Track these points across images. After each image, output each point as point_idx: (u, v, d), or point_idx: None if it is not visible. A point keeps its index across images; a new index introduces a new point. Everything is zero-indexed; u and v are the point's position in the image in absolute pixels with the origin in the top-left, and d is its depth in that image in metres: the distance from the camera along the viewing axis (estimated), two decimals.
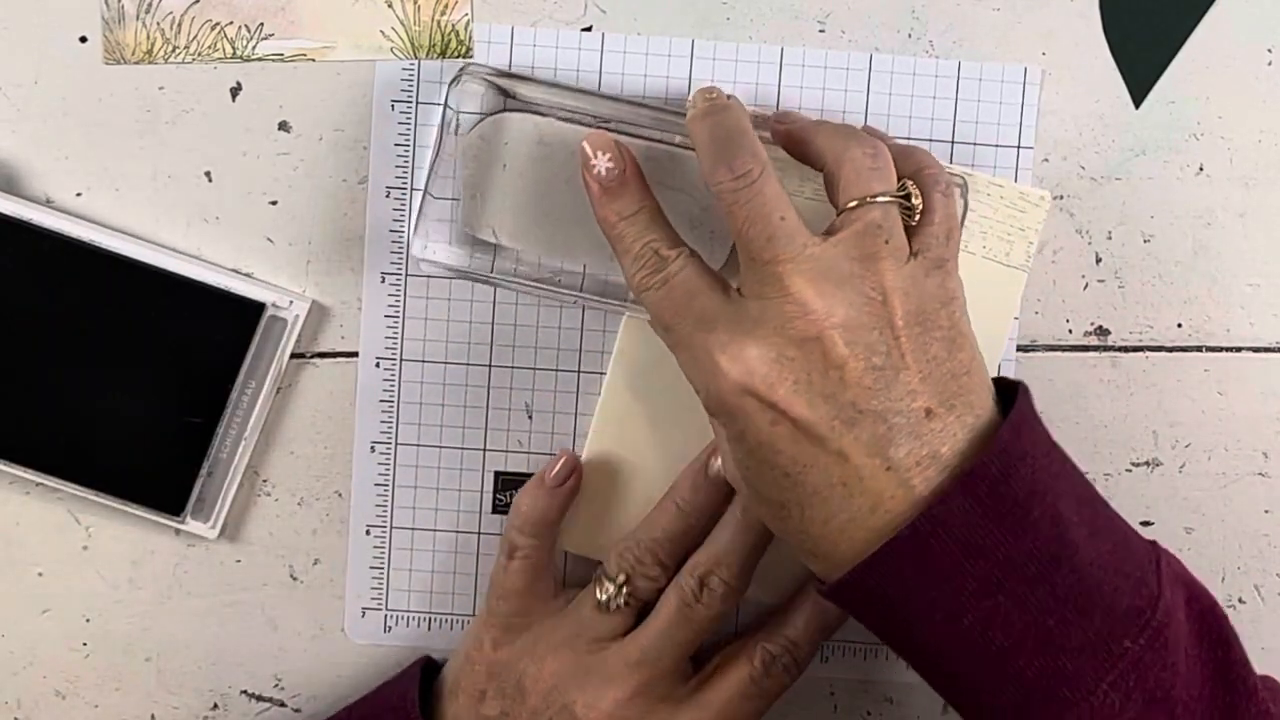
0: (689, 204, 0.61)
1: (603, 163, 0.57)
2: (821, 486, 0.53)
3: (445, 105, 0.61)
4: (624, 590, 0.62)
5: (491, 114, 0.61)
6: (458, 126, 0.61)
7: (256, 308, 0.63)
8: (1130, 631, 0.52)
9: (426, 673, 0.64)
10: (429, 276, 0.64)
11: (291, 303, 0.63)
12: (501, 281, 0.62)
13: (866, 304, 0.53)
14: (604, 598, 0.62)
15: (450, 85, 0.61)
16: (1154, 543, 0.56)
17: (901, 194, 0.55)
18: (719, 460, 0.61)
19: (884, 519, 0.53)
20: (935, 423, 0.53)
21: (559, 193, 0.61)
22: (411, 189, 0.64)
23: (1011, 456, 0.53)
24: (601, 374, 0.65)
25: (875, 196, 0.54)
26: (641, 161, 0.58)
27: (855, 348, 0.52)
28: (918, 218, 0.55)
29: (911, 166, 0.57)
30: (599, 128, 0.60)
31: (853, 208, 0.54)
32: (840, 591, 0.54)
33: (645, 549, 0.62)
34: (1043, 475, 0.53)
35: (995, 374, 0.63)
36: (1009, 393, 0.56)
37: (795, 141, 0.58)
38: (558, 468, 0.64)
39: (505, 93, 0.61)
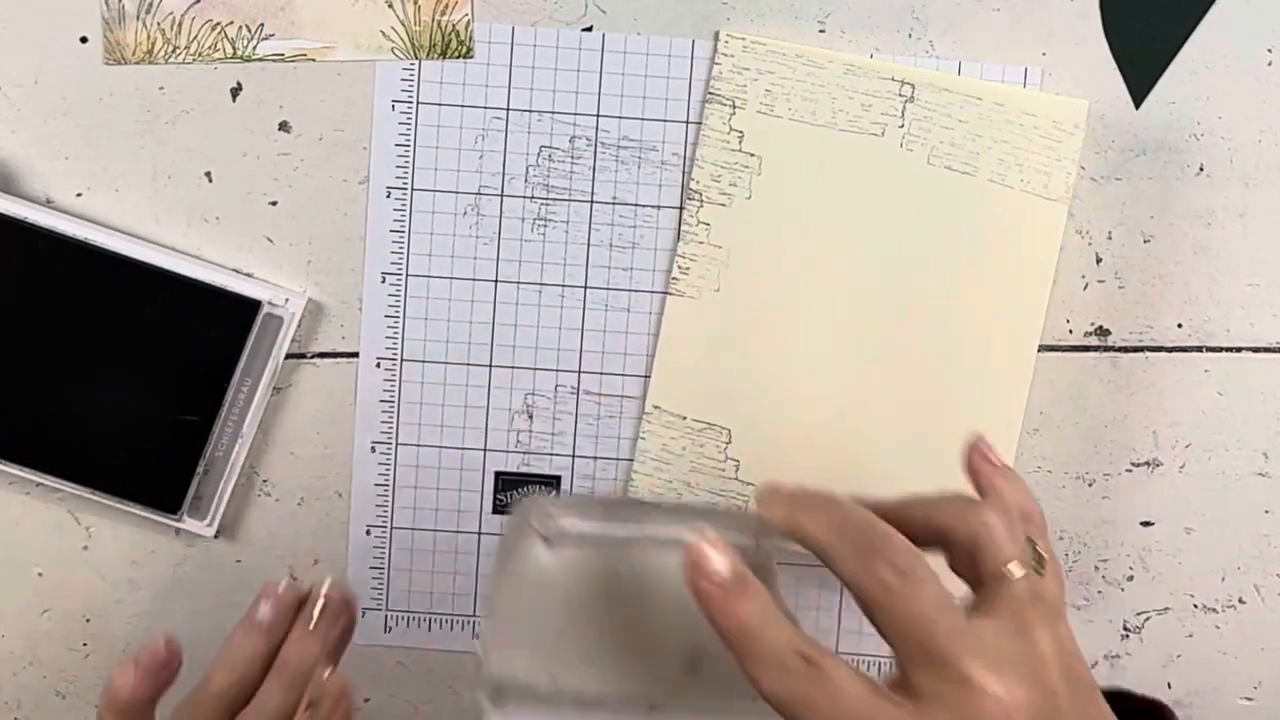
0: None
1: (719, 562, 0.50)
2: None
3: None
4: None
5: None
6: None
7: (252, 305, 0.63)
8: None
9: None
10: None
11: (287, 300, 0.63)
12: None
13: (1036, 678, 0.51)
14: None
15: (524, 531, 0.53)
16: None
17: (1033, 554, 0.53)
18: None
19: None
20: None
21: (614, 625, 0.54)
22: (412, 188, 0.64)
23: None
24: (602, 374, 0.65)
25: (1018, 562, 0.52)
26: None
27: None
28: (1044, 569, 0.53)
29: (1018, 511, 0.54)
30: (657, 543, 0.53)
31: (1002, 577, 0.52)
32: None
33: None
34: None
35: (1041, 314, 0.64)
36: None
37: (909, 516, 0.54)
38: None
39: (555, 540, 0.53)
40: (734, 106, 0.63)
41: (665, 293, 0.64)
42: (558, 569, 0.53)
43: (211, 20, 0.63)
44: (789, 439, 0.64)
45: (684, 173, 0.64)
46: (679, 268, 0.64)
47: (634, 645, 0.53)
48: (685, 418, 0.65)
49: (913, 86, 0.63)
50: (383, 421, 0.65)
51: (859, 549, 0.51)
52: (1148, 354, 0.66)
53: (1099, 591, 0.67)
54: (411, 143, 0.64)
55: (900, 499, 0.55)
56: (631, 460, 0.65)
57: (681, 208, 0.64)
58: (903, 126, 0.63)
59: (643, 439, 0.65)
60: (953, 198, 0.63)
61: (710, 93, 0.63)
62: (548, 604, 0.53)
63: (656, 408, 0.65)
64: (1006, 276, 0.64)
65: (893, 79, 0.63)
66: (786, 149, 0.63)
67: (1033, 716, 0.50)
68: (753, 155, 0.63)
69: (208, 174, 0.64)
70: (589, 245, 0.65)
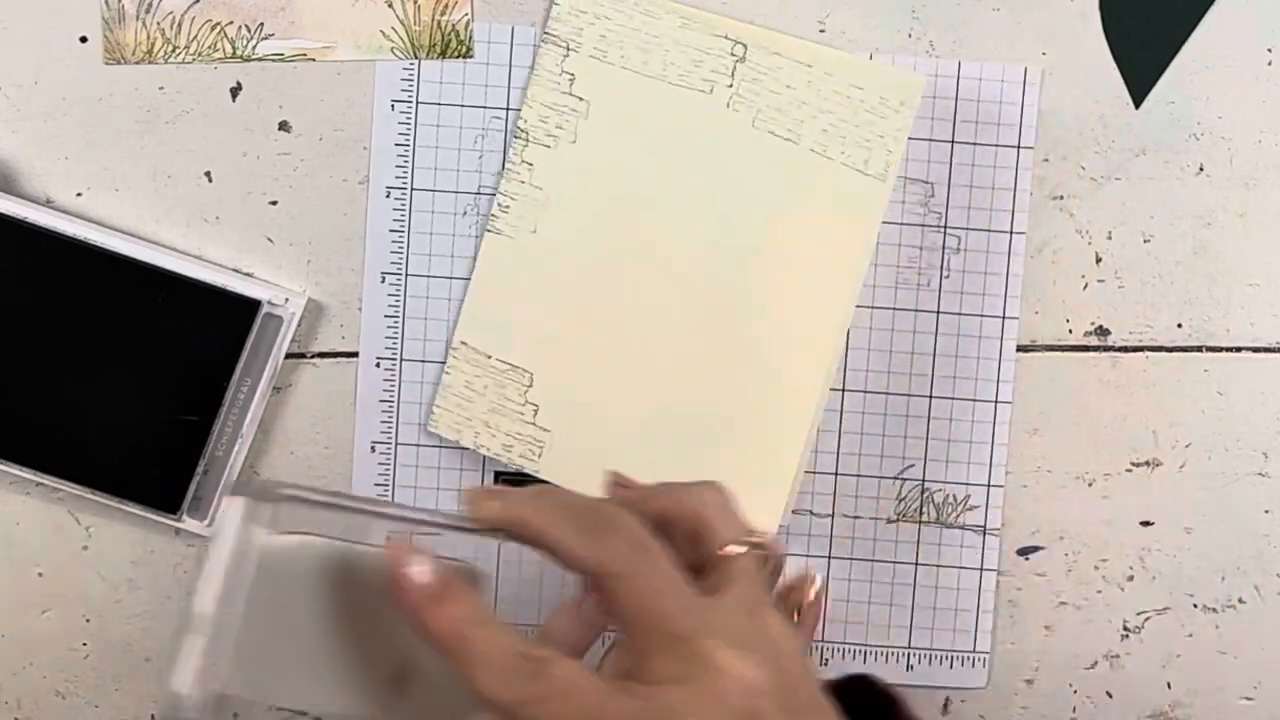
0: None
1: (418, 567, 0.47)
2: None
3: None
4: None
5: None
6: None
7: (252, 305, 0.63)
8: None
9: None
10: None
11: (287, 300, 0.63)
12: None
13: (772, 658, 0.49)
14: None
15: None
16: None
17: (749, 533, 0.52)
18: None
19: None
20: None
21: (327, 632, 0.49)
22: (412, 188, 0.64)
23: None
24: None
25: (738, 542, 0.51)
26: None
27: (784, 712, 0.48)
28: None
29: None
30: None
31: (726, 557, 0.50)
32: None
33: None
34: None
35: (855, 288, 0.63)
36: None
37: (645, 501, 0.52)
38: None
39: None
40: (569, 49, 0.63)
41: (487, 231, 0.64)
42: (278, 556, 0.48)
43: (211, 20, 0.63)
44: (589, 387, 0.64)
45: None
46: (499, 205, 0.64)
47: (346, 656, 0.50)
48: (490, 356, 0.64)
49: (745, 46, 0.63)
50: (383, 421, 0.65)
51: (586, 530, 0.48)
52: (1147, 354, 0.66)
53: (1098, 591, 0.67)
54: (411, 143, 0.64)
55: (655, 484, 0.53)
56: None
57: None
58: (731, 86, 0.63)
59: (447, 374, 0.64)
60: (774, 163, 0.63)
61: (546, 32, 0.63)
62: (263, 597, 0.48)
63: (464, 343, 0.64)
64: (822, 246, 0.63)
65: (726, 37, 0.63)
66: (616, 96, 0.63)
67: (773, 696, 0.48)
68: (582, 99, 0.63)
69: (208, 174, 0.64)
70: None
